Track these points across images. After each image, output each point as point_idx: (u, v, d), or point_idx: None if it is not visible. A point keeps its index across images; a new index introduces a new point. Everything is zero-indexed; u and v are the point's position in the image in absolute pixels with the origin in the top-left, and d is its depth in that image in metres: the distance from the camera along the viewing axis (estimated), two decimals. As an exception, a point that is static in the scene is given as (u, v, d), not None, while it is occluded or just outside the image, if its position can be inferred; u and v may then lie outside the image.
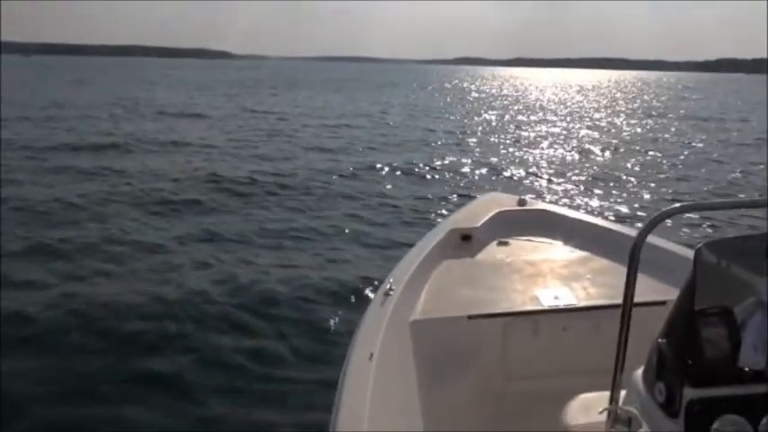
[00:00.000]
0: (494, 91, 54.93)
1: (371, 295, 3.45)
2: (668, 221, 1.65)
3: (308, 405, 3.82)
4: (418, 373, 2.47)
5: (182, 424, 3.74)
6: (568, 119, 25.67)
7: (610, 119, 25.56)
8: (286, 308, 5.40)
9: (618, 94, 50.49)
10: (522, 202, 4.17)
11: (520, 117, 26.86)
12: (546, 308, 2.75)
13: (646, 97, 48.04)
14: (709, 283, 1.35)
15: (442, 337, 2.66)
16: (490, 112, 29.37)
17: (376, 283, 4.17)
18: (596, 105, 36.04)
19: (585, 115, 28.26)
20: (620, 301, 1.52)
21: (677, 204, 1.58)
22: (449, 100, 39.99)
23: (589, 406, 1.63)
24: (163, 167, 12.13)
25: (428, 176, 12.30)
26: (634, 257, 1.45)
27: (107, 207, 8.84)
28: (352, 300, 5.47)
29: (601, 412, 1.48)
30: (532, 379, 2.73)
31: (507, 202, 4.22)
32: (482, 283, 3.06)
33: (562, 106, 34.62)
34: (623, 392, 1.50)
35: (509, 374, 2.78)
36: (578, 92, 54.51)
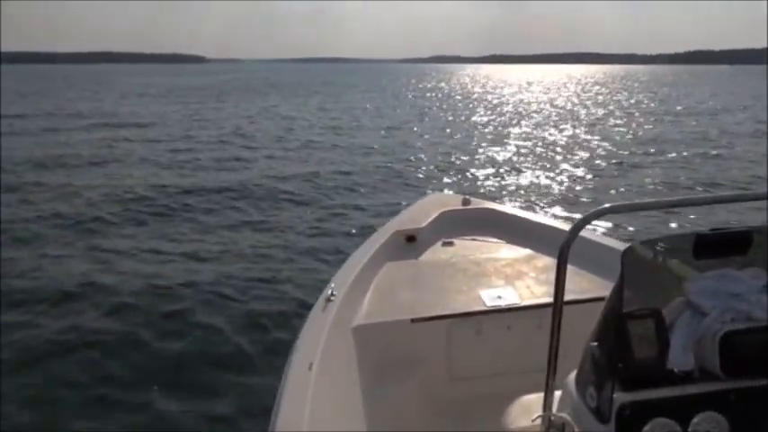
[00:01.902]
0: (460, 89, 55.30)
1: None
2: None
3: (247, 420, 3.78)
4: (361, 380, 2.42)
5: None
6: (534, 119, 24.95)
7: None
8: (223, 316, 5.33)
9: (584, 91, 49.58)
10: (466, 202, 4.13)
11: (481, 117, 26.28)
12: (489, 308, 2.73)
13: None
14: (637, 283, 1.33)
15: (385, 341, 2.63)
16: (452, 110, 28.90)
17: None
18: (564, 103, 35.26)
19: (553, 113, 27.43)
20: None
21: (607, 205, 1.55)
22: (410, 97, 39.93)
23: (528, 408, 1.59)
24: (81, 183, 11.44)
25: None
26: (562, 258, 1.42)
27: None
28: (295, 306, 5.36)
29: (534, 419, 1.46)
30: (477, 380, 2.73)
31: (452, 201, 4.20)
32: (426, 285, 3.02)
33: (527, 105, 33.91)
34: (560, 395, 1.47)
35: (453, 376, 2.76)
36: (544, 90, 54.00)
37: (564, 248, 1.45)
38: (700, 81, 73.40)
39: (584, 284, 2.89)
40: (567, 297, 2.80)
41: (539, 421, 1.48)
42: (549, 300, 2.50)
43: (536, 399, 1.56)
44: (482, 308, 2.75)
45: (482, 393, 2.46)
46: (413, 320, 2.68)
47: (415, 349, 2.69)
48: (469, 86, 59.26)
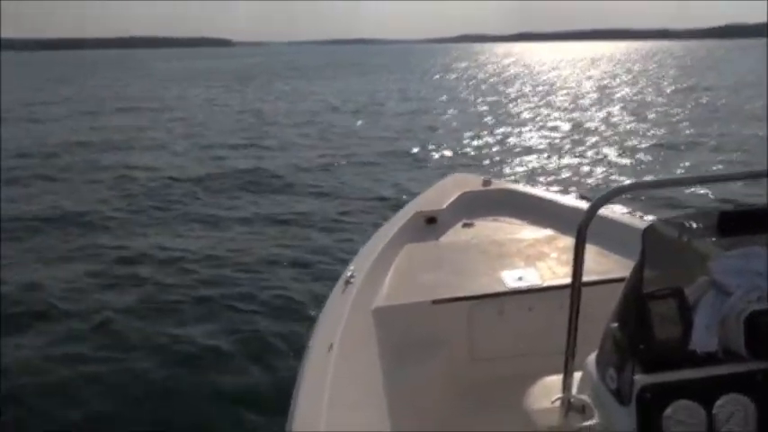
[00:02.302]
0: (490, 70, 54.14)
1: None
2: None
3: (267, 400, 3.77)
4: (381, 362, 2.40)
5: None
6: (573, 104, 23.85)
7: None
8: (243, 299, 5.41)
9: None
10: (486, 183, 4.12)
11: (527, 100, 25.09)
12: (511, 289, 2.73)
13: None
14: (659, 263, 1.31)
15: (406, 323, 2.61)
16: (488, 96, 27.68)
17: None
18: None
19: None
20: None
21: (627, 182, 1.51)
22: (437, 78, 38.92)
23: (549, 389, 1.54)
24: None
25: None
26: (581, 238, 1.40)
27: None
28: (316, 288, 5.35)
29: (553, 401, 1.44)
30: (498, 361, 2.71)
31: (472, 182, 4.18)
32: (447, 267, 3.01)
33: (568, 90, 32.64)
34: (580, 377, 1.47)
35: (475, 358, 2.75)
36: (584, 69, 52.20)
37: (582, 228, 1.40)
38: (741, 55, 70.28)
39: (607, 265, 2.85)
40: (589, 278, 2.68)
41: (558, 403, 1.44)
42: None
43: (557, 380, 1.52)
44: (503, 289, 2.73)
45: (504, 375, 2.45)
46: (434, 302, 2.66)
47: (435, 331, 2.66)
48: (499, 67, 57.62)
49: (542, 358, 2.02)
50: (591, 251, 3.03)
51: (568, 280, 1.60)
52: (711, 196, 7.86)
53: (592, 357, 1.46)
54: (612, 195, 1.48)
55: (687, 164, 11.04)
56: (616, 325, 1.34)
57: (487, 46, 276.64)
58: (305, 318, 4.71)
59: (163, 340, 4.78)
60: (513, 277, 2.82)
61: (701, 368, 1.27)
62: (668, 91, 27.24)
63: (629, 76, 38.96)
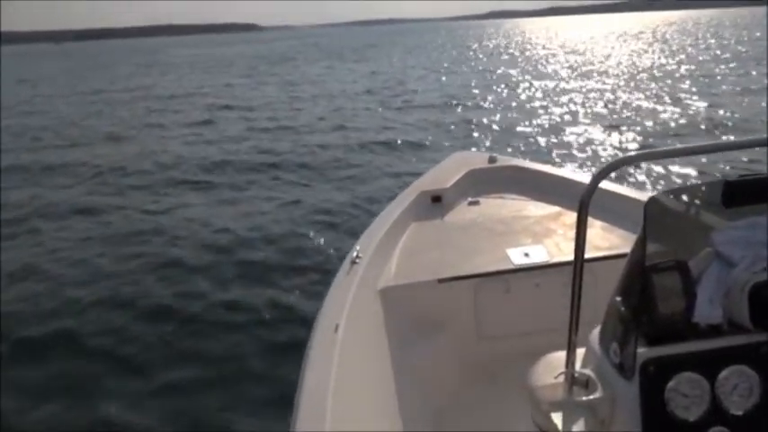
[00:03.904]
0: (523, 46, 52.25)
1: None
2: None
3: (273, 381, 3.80)
4: (388, 341, 2.41)
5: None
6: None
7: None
8: (248, 280, 5.46)
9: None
10: (492, 160, 4.08)
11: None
12: (517, 266, 2.71)
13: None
14: (663, 235, 1.30)
15: (412, 302, 2.62)
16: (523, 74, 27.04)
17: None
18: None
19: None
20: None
21: (632, 153, 1.48)
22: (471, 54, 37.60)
23: (553, 365, 1.51)
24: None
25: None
26: (583, 211, 1.37)
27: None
28: (324, 268, 5.37)
29: (557, 377, 1.44)
30: (505, 339, 2.72)
31: (478, 160, 4.15)
32: (452, 245, 3.00)
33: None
34: (583, 352, 1.47)
35: (481, 336, 2.75)
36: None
37: (584, 201, 1.36)
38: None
39: (613, 240, 2.84)
40: (596, 253, 2.62)
41: (562, 378, 1.44)
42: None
43: (561, 356, 1.50)
44: (509, 267, 2.70)
45: (511, 352, 2.43)
46: (440, 281, 2.64)
47: (442, 309, 2.66)
48: (532, 42, 56.06)
49: (548, 335, 2.01)
50: (597, 226, 2.99)
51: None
52: (721, 166, 7.80)
53: (595, 332, 1.45)
54: (614, 167, 1.42)
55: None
56: (619, 299, 1.33)
57: (517, 21, 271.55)
58: (312, 298, 4.70)
59: (166, 302, 5.05)
60: (519, 254, 2.80)
61: (704, 340, 1.26)
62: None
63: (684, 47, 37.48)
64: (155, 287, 5.44)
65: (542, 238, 2.99)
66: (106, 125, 15.95)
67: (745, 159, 8.14)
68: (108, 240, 6.81)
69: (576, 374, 1.41)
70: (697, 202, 1.36)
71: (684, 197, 1.39)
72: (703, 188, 1.39)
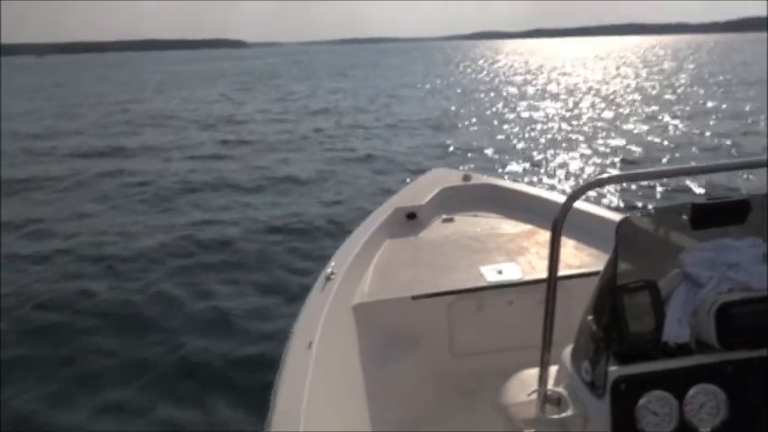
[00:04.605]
0: (507, 70, 52.55)
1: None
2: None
3: (245, 397, 3.77)
4: (362, 358, 2.41)
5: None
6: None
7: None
8: (220, 296, 5.40)
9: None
10: (466, 178, 4.12)
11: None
12: (490, 284, 2.71)
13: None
14: (634, 255, 1.33)
15: (386, 319, 2.62)
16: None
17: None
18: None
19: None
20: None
21: (605, 175, 1.55)
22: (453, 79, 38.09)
23: (526, 383, 1.55)
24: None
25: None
26: (556, 231, 1.41)
27: None
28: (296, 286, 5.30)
29: (529, 394, 1.46)
30: (479, 356, 2.71)
31: (452, 177, 4.18)
32: (426, 262, 3.01)
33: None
34: (555, 370, 1.49)
35: (455, 353, 2.75)
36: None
37: (557, 222, 1.40)
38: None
39: (585, 258, 2.89)
40: (568, 271, 2.65)
41: (534, 396, 1.45)
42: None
43: (535, 374, 1.51)
44: (483, 284, 2.72)
45: (484, 369, 2.45)
46: (413, 297, 2.65)
47: (416, 326, 2.67)
48: (517, 66, 55.93)
49: (521, 352, 2.01)
50: (570, 245, 3.01)
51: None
52: (691, 187, 8.02)
53: (568, 350, 1.47)
54: (587, 189, 1.47)
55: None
56: (591, 318, 1.35)
57: (501, 43, 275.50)
58: (285, 315, 4.58)
59: (134, 321, 4.94)
60: (493, 272, 2.81)
61: (673, 359, 1.28)
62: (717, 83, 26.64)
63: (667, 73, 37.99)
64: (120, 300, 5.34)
65: (516, 255, 3.01)
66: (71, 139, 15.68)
67: (718, 182, 8.31)
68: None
69: (549, 392, 1.43)
70: (667, 223, 1.40)
71: (655, 219, 1.43)
72: (673, 210, 1.42)
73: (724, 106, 18.15)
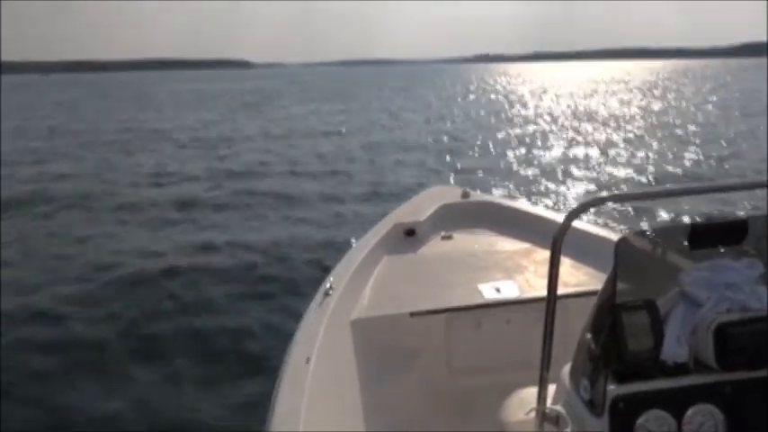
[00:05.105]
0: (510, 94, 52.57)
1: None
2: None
3: (243, 413, 3.78)
4: (359, 374, 2.40)
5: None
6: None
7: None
8: (220, 310, 5.46)
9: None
10: (465, 195, 4.14)
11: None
12: (489, 301, 2.72)
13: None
14: (632, 274, 1.34)
15: (384, 335, 2.62)
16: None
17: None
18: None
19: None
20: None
21: (604, 193, 1.62)
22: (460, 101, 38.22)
23: (525, 401, 1.57)
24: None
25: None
26: (555, 249, 1.43)
27: None
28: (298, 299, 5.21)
29: (528, 413, 1.47)
30: (476, 374, 2.71)
31: (451, 194, 4.21)
32: (425, 279, 3.05)
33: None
34: (554, 388, 1.49)
35: (453, 370, 2.74)
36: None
37: (557, 240, 1.42)
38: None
39: (583, 277, 2.90)
40: (566, 290, 2.66)
41: (533, 414, 1.46)
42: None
43: (532, 392, 1.52)
44: (481, 301, 2.73)
45: (482, 387, 2.44)
46: (412, 314, 2.65)
47: (413, 343, 2.67)
48: (519, 89, 55.71)
49: (519, 370, 2.01)
50: (568, 263, 3.01)
51: (546, 292, 1.58)
52: (686, 208, 8.05)
53: (566, 368, 1.47)
54: (586, 207, 1.48)
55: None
56: (590, 336, 1.35)
57: (503, 66, 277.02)
58: (283, 331, 4.56)
59: (130, 344, 4.89)
60: (491, 289, 2.81)
61: (672, 378, 1.29)
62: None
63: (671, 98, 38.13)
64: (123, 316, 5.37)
65: (514, 273, 3.01)
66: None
67: (717, 202, 8.34)
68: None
69: (547, 410, 1.43)
70: (665, 243, 1.41)
71: (653, 238, 1.43)
72: (671, 230, 1.45)
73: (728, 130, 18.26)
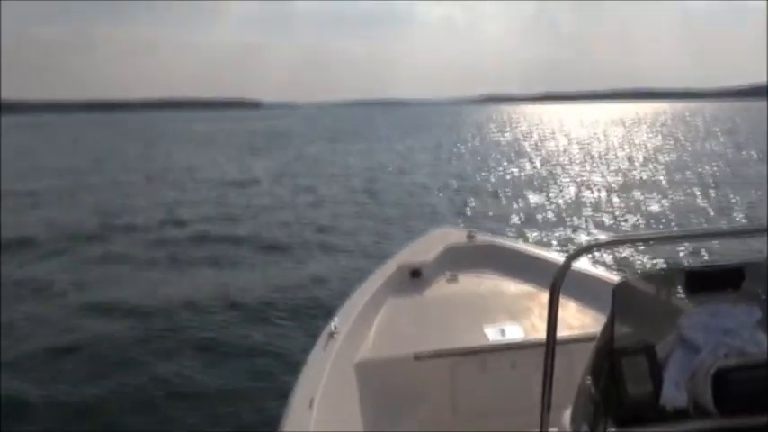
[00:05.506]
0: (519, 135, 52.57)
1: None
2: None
3: None
4: (363, 417, 2.37)
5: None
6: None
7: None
8: (225, 351, 5.49)
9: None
10: (471, 237, 4.16)
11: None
12: (493, 344, 2.71)
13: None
14: (631, 318, 1.35)
15: (388, 377, 2.61)
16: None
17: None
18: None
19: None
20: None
21: (603, 238, 1.68)
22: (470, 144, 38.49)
23: None
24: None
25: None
26: (554, 293, 1.43)
27: None
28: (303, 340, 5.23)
29: None
30: (481, 417, 2.68)
31: (457, 236, 4.22)
32: (430, 321, 3.04)
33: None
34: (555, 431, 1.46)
35: (457, 414, 2.72)
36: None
37: (556, 283, 1.43)
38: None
39: (588, 320, 2.89)
40: (570, 333, 2.68)
41: None
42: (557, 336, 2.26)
43: None
44: (486, 344, 2.72)
45: (486, 430, 2.44)
46: (416, 356, 2.64)
47: (418, 385, 2.65)
48: (528, 131, 55.39)
49: (524, 414, 1.98)
50: (572, 307, 3.04)
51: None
52: (687, 252, 7.94)
53: (567, 412, 1.46)
54: (583, 252, 1.50)
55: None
56: (589, 380, 1.36)
57: (512, 107, 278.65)
58: (288, 372, 4.52)
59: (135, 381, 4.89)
60: (496, 332, 2.81)
61: (671, 423, 1.28)
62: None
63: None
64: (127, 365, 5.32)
65: (519, 316, 3.01)
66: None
67: (721, 245, 8.19)
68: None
69: None
70: (664, 287, 1.41)
71: (652, 282, 1.44)
72: (669, 274, 1.45)
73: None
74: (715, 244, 8.30)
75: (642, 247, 8.00)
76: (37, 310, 6.80)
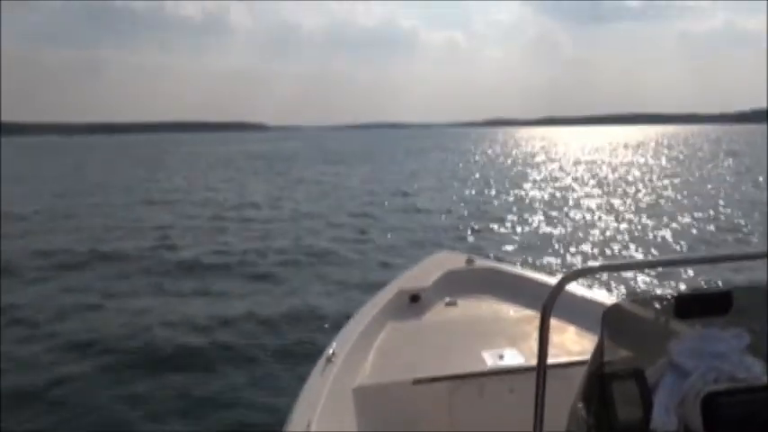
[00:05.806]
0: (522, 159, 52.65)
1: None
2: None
3: None
4: None
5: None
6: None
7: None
8: (221, 374, 5.48)
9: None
10: (470, 261, 4.17)
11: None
12: (492, 369, 2.72)
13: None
14: (622, 343, 1.35)
15: (386, 402, 2.61)
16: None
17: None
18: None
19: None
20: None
21: (594, 264, 1.78)
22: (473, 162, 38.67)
23: None
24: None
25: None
26: (545, 317, 1.42)
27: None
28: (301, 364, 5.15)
29: None
30: None
31: (456, 260, 4.23)
32: (428, 346, 3.05)
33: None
34: None
35: None
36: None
37: (546, 307, 1.43)
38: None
39: (586, 345, 2.89)
40: (567, 358, 2.68)
41: None
42: (553, 361, 2.32)
43: None
44: (484, 369, 2.73)
45: None
46: (414, 381, 2.65)
47: (416, 410, 2.65)
48: (531, 154, 55.45)
49: None
50: (571, 331, 3.05)
51: (551, 360, 1.61)
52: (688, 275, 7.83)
53: None
54: (575, 276, 1.52)
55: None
56: (581, 405, 1.37)
57: (514, 130, 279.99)
58: (284, 396, 4.47)
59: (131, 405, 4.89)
60: (495, 357, 2.82)
61: None
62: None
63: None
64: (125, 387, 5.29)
65: (517, 340, 3.02)
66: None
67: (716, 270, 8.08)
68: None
69: None
70: (654, 311, 1.43)
71: (642, 306, 1.46)
72: (659, 299, 1.46)
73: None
74: (712, 268, 8.19)
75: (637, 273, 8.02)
76: (18, 339, 6.60)
